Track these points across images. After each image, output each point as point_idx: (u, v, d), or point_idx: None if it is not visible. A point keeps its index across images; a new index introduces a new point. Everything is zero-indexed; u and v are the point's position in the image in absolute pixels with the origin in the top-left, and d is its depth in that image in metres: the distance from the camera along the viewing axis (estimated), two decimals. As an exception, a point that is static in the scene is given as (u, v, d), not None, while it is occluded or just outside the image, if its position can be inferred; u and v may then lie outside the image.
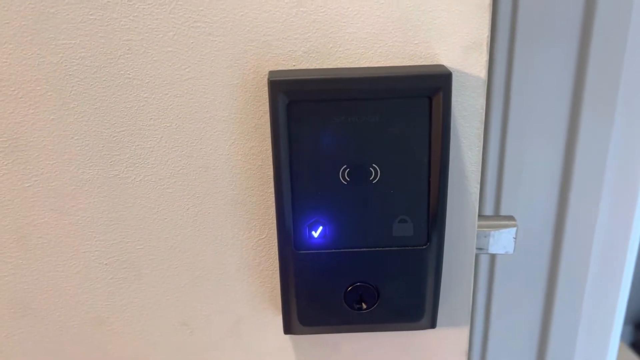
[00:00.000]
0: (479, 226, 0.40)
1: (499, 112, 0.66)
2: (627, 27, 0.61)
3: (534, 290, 0.76)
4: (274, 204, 0.36)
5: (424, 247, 0.35)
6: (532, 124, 0.66)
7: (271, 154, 0.35)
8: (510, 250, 0.41)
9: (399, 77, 0.32)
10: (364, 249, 0.35)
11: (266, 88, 0.33)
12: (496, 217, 0.41)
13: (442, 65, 0.33)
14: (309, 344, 0.40)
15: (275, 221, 0.36)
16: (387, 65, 0.33)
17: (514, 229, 0.40)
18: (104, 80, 0.33)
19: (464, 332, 0.41)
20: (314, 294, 0.36)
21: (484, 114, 0.35)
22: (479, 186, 0.37)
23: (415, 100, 0.32)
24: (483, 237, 0.41)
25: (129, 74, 0.33)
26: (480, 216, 0.40)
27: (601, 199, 0.67)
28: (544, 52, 0.63)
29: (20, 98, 0.33)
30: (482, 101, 0.34)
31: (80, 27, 0.32)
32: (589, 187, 0.67)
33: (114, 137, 0.35)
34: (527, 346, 0.80)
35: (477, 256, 0.40)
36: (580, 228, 0.69)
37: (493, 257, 0.75)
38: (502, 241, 0.40)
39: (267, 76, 0.33)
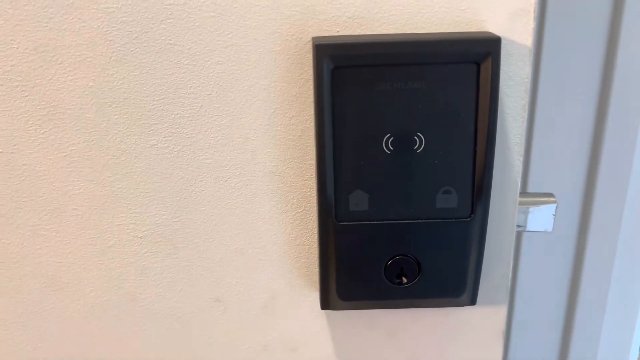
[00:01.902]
0: (518, 202, 0.39)
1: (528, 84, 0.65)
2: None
3: (560, 270, 0.75)
4: (312, 176, 0.36)
5: (468, 219, 0.34)
6: (561, 96, 0.65)
7: (312, 124, 0.34)
8: (550, 228, 0.40)
9: (446, 42, 0.31)
10: (407, 221, 0.34)
11: (309, 55, 0.33)
12: (534, 194, 0.41)
13: (489, 32, 0.32)
14: (344, 321, 0.40)
15: (314, 193, 0.36)
16: (433, 31, 0.33)
17: (554, 205, 0.39)
18: (145, 46, 0.33)
19: (502, 311, 0.40)
20: (354, 267, 0.35)
21: (529, 83, 0.34)
22: (522, 159, 0.36)
23: (463, 67, 0.31)
24: (521, 213, 0.40)
25: (170, 40, 0.33)
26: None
27: (631, 175, 0.66)
28: (575, 21, 0.62)
29: (60, 64, 0.33)
30: (528, 70, 0.34)
31: (122, -9, 0.32)
32: (619, 165, 0.66)
33: (152, 105, 0.34)
34: (552, 326, 0.80)
35: (512, 236, 0.40)
36: (608, 207, 0.69)
37: (519, 235, 0.74)
38: (541, 218, 0.40)
39: (310, 42, 0.33)
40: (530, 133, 0.68)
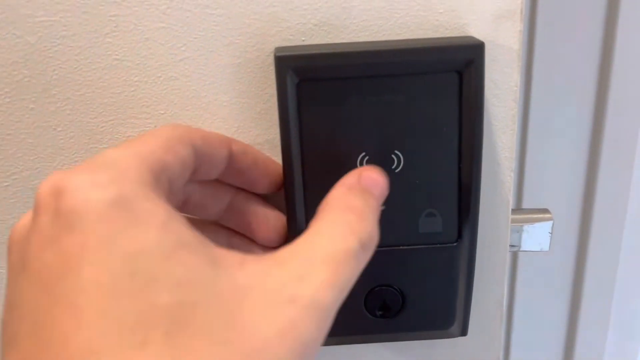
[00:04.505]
0: (511, 220, 0.36)
1: (520, 92, 0.61)
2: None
3: (559, 291, 0.71)
4: (282, 199, 0.32)
5: (455, 244, 0.31)
6: (556, 105, 0.62)
7: (279, 142, 0.31)
8: (546, 247, 0.37)
9: (423, 50, 0.28)
10: (387, 248, 0.31)
11: (272, 67, 0.30)
12: (528, 210, 0.37)
13: (472, 37, 0.29)
14: (326, 357, 0.36)
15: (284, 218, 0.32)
16: (409, 38, 0.29)
17: (550, 222, 0.36)
18: (89, 62, 0.29)
19: (497, 340, 0.37)
20: (331, 300, 0.32)
21: (518, 92, 0.31)
22: (512, 175, 0.33)
23: (443, 76, 0.28)
24: (515, 232, 0.37)
25: (116, 55, 0.29)
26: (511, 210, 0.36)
27: (631, 190, 0.63)
28: (568, 22, 0.59)
29: (-5, 85, 0.30)
30: (516, 77, 0.31)
31: (60, 2, 0.28)
32: (618, 178, 0.63)
33: (101, 127, 0.31)
34: (553, 352, 0.76)
35: (506, 255, 0.36)
36: (608, 221, 0.65)
37: (515, 255, 0.70)
38: (536, 237, 0.36)
39: (273, 53, 0.29)
40: (524, 145, 0.65)
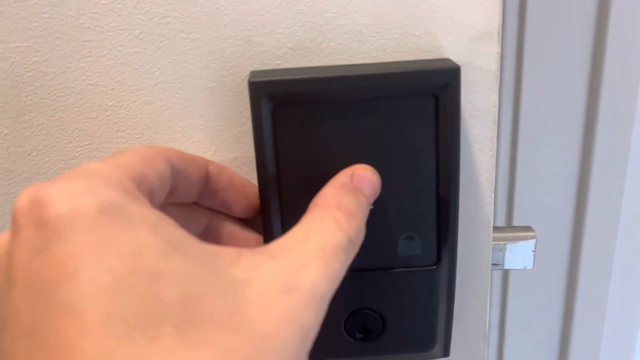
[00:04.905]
0: (493, 239, 0.35)
1: (508, 111, 0.61)
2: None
3: (551, 307, 0.71)
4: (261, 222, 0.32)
5: (434, 267, 0.31)
6: (545, 123, 0.62)
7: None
8: (529, 265, 0.36)
9: (399, 74, 0.28)
10: (366, 271, 0.31)
11: (248, 91, 0.29)
12: (511, 229, 0.37)
13: (449, 59, 0.29)
14: (307, 377, 0.36)
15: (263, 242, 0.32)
16: (386, 60, 0.29)
17: (533, 241, 0.36)
18: (63, 87, 0.29)
19: (481, 358, 0.36)
20: (311, 323, 0.32)
21: (496, 113, 0.31)
22: (493, 195, 0.33)
23: (420, 100, 0.28)
24: (498, 251, 0.36)
25: (91, 80, 0.29)
26: (494, 228, 0.36)
27: (622, 205, 0.63)
28: (556, 43, 0.59)
29: (-32, 111, 0.29)
30: (495, 99, 0.30)
31: (32, 28, 0.28)
32: (609, 193, 0.63)
33: (77, 151, 0.30)
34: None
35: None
36: (600, 237, 0.65)
37: (506, 272, 0.70)
38: (519, 255, 0.36)
39: (248, 77, 0.29)
40: (514, 162, 0.65)
